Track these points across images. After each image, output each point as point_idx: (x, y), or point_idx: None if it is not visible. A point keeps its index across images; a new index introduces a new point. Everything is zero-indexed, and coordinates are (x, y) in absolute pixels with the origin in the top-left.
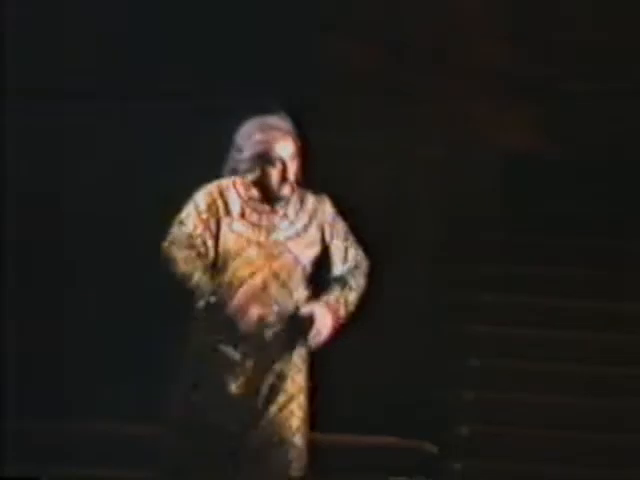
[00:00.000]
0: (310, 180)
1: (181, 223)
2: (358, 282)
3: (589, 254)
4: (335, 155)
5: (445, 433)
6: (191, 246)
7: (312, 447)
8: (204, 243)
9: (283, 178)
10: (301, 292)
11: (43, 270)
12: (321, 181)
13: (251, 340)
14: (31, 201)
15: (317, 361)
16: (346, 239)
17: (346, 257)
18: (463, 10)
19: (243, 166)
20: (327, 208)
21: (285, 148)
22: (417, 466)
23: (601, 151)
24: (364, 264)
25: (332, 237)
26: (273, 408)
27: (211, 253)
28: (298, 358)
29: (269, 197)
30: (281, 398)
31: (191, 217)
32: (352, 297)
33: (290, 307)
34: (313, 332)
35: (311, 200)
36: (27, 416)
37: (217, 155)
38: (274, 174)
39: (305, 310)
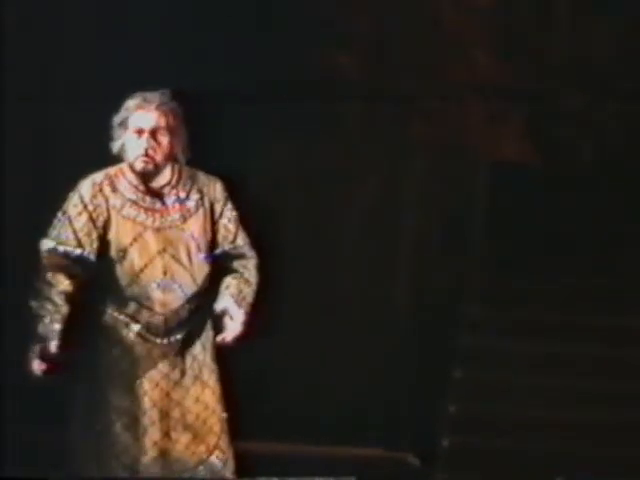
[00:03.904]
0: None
1: (64, 214)
2: (253, 276)
3: (581, 267)
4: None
5: (427, 445)
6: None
7: (293, 457)
8: (88, 234)
9: (146, 149)
10: (203, 270)
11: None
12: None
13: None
14: (30, 201)
15: (298, 371)
16: (237, 225)
17: (234, 240)
18: (455, 22)
19: (112, 134)
20: (218, 187)
21: (145, 118)
22: (400, 478)
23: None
24: (255, 258)
25: (221, 216)
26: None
27: (94, 245)
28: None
29: (157, 177)
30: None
31: (76, 209)
32: (250, 292)
33: (193, 289)
34: (227, 329)
35: (201, 178)
36: (27, 419)
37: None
38: (136, 145)
39: (219, 308)
